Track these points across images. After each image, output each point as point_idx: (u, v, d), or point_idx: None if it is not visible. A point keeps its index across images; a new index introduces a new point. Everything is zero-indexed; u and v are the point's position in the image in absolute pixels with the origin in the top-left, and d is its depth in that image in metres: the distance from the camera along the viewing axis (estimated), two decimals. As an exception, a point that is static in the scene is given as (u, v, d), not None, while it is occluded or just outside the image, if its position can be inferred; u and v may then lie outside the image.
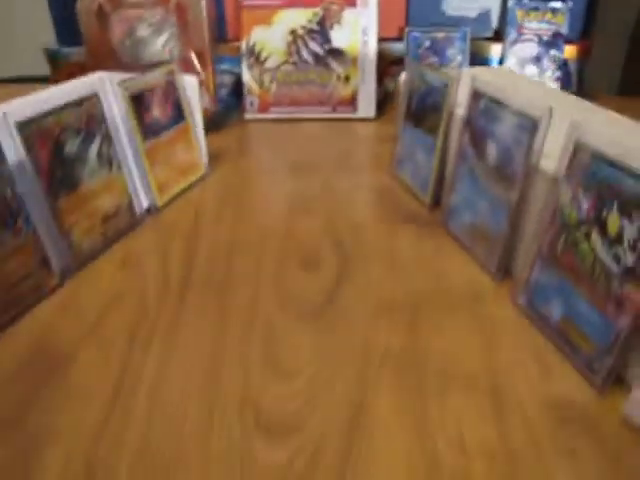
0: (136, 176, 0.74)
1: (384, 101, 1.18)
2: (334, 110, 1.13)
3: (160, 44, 0.95)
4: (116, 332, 0.56)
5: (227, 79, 1.14)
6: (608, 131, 0.49)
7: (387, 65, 1.15)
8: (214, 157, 0.94)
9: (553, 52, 1.10)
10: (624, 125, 0.68)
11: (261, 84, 1.11)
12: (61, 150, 0.62)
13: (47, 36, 1.15)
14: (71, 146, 0.64)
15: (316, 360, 0.52)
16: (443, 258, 0.68)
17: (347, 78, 1.10)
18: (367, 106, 1.12)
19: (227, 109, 1.14)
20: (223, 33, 1.12)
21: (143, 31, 0.95)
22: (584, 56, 1.13)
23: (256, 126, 1.12)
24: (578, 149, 0.51)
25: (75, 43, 1.09)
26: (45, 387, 0.49)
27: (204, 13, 0.94)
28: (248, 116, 1.14)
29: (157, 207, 0.77)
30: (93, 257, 0.68)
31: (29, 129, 0.58)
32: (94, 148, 0.67)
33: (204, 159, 0.88)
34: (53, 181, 0.62)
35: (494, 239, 0.63)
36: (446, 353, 0.52)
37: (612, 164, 0.47)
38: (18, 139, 0.57)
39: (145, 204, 0.76)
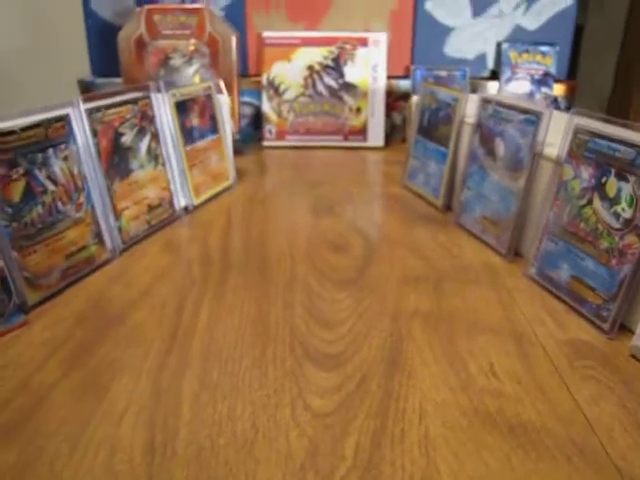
0: (176, 175, 0.81)
1: (391, 133, 1.28)
2: (346, 139, 1.22)
3: (191, 73, 1.05)
4: (166, 298, 0.61)
5: (247, 110, 1.23)
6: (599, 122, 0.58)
7: (394, 100, 1.25)
8: (238, 174, 1.02)
9: (544, 89, 1.21)
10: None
11: (279, 114, 1.21)
12: (119, 140, 0.70)
13: (71, 67, 1.25)
14: (127, 138, 0.71)
15: (354, 315, 0.58)
16: (458, 245, 0.75)
17: (358, 110, 1.21)
18: (376, 136, 1.22)
19: (246, 138, 1.23)
20: (245, 68, 1.23)
21: (176, 60, 1.05)
22: (571, 93, 1.24)
23: (274, 152, 1.21)
24: (577, 131, 0.60)
25: (108, 74, 1.18)
26: (106, 335, 0.54)
27: (234, 46, 1.05)
28: (266, 143, 1.23)
29: (193, 206, 0.84)
30: (138, 241, 0.74)
31: (95, 117, 0.66)
32: (145, 143, 0.74)
33: (232, 171, 0.96)
34: (110, 166, 0.69)
35: (504, 224, 0.70)
36: (469, 311, 0.59)
37: (607, 138, 0.55)
38: (87, 124, 0.65)
39: (183, 202, 0.83)
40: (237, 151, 1.15)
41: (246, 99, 1.23)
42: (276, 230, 0.80)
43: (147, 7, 1.07)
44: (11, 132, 0.56)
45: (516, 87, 1.21)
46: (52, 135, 0.60)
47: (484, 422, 0.43)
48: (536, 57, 1.23)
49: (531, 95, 1.19)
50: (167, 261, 0.70)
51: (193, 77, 1.06)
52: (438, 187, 0.87)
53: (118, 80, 1.14)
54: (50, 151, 0.60)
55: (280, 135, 1.22)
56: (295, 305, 0.59)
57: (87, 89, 1.20)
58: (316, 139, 1.22)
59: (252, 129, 1.26)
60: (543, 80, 1.23)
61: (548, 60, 1.23)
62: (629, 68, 1.81)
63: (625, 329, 0.54)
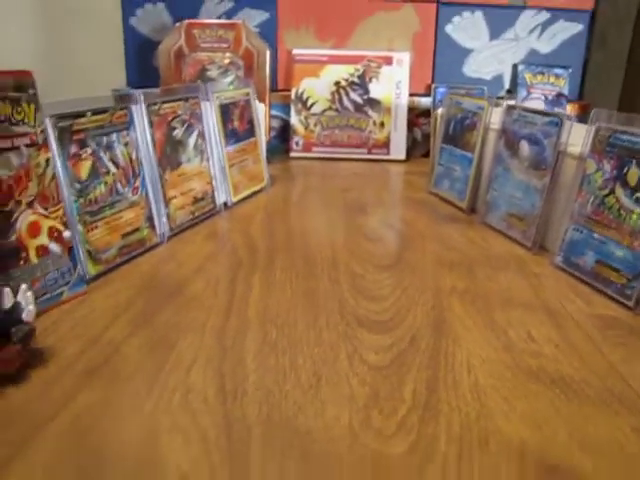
0: (218, 172, 0.86)
1: (412, 147, 1.33)
2: (369, 152, 1.28)
3: (226, 84, 1.11)
4: (218, 275, 0.65)
5: (275, 123, 1.29)
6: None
7: (416, 116, 1.31)
8: (270, 179, 1.07)
9: (557, 109, 1.27)
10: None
11: (307, 127, 1.26)
12: (171, 132, 0.75)
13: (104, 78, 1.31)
14: (178, 132, 0.76)
15: (397, 291, 0.62)
16: (486, 239, 0.79)
17: (382, 124, 1.26)
18: (399, 149, 1.27)
19: (274, 150, 1.29)
20: (274, 83, 1.29)
21: (213, 72, 1.11)
22: (583, 113, 1.30)
23: (301, 162, 1.26)
24: (599, 129, 0.65)
25: (143, 86, 1.24)
26: (165, 303, 0.58)
27: (268, 60, 1.11)
28: (293, 154, 1.28)
29: (232, 202, 0.89)
30: (182, 230, 0.78)
31: (153, 110, 0.71)
32: (192, 138, 0.80)
33: (266, 174, 1.01)
34: (163, 156, 0.74)
35: (529, 219, 0.75)
36: (502, 290, 0.63)
37: (628, 133, 0.60)
38: (145, 115, 0.70)
39: (223, 198, 0.88)
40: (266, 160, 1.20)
41: (274, 112, 1.28)
42: (313, 224, 0.84)
43: (187, 21, 1.13)
44: (83, 115, 0.61)
45: (531, 106, 1.26)
46: (116, 121, 0.65)
47: (528, 375, 0.46)
48: (550, 79, 1.29)
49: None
50: (213, 247, 0.74)
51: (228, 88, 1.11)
52: (464, 190, 0.91)
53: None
54: (114, 136, 0.65)
55: (307, 147, 1.28)
56: (341, 282, 0.63)
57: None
58: (341, 151, 1.27)
59: (279, 141, 1.31)
60: (556, 100, 1.29)
61: (561, 82, 1.29)
62: (632, 102, 1.88)
63: (650, 306, 0.58)
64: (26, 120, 0.52)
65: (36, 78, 0.53)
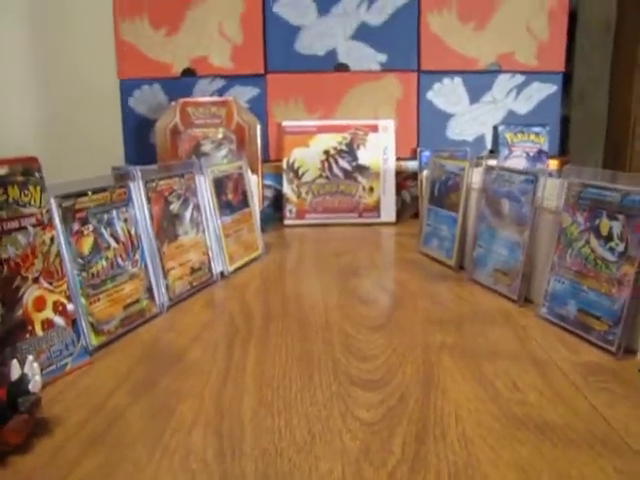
0: (214, 242, 0.90)
1: (402, 209, 1.37)
2: (360, 216, 1.32)
3: (220, 158, 1.17)
4: (215, 341, 0.68)
5: (269, 193, 1.34)
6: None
7: (403, 179, 1.36)
8: (265, 247, 1.11)
9: (539, 165, 1.32)
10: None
11: (299, 195, 1.31)
12: (168, 207, 0.79)
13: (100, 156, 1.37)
14: (174, 206, 0.80)
15: (388, 350, 0.64)
16: (473, 295, 0.82)
17: (371, 189, 1.31)
18: (388, 212, 1.32)
19: (267, 218, 1.33)
20: (266, 154, 1.35)
21: (207, 146, 1.17)
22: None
23: (295, 230, 1.30)
24: (571, 184, 0.69)
25: (141, 162, 1.30)
26: (165, 370, 0.60)
27: (259, 133, 1.17)
28: (287, 222, 1.32)
29: (228, 271, 0.92)
30: (181, 300, 0.81)
31: (150, 186, 0.76)
32: (189, 212, 0.84)
33: (261, 242, 1.04)
34: (160, 229, 0.77)
35: (513, 273, 0.78)
36: (489, 343, 0.65)
37: (597, 187, 0.65)
38: (143, 192, 0.74)
39: (219, 268, 0.91)
40: (261, 229, 1.24)
41: (267, 182, 1.34)
42: (307, 289, 0.87)
43: (182, 100, 1.20)
44: (84, 194, 0.65)
45: (513, 164, 1.32)
46: (115, 199, 0.70)
47: (514, 423, 0.48)
48: (530, 137, 1.35)
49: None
50: (211, 315, 0.77)
51: (222, 162, 1.17)
52: (451, 249, 0.95)
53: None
54: (114, 212, 0.69)
55: (300, 214, 1.32)
56: (334, 344, 0.66)
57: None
58: (333, 217, 1.32)
59: (273, 210, 1.36)
60: (538, 157, 1.34)
61: (541, 139, 1.35)
62: (617, 154, 1.95)
63: (629, 351, 0.60)
64: (33, 202, 0.56)
65: (41, 158, 0.58)
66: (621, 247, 0.61)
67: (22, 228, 0.55)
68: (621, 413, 0.49)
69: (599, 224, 0.64)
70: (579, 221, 0.67)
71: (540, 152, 1.35)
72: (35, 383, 0.47)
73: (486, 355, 0.62)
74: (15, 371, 0.47)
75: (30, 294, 0.55)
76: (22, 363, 0.48)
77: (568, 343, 0.64)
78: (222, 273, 0.92)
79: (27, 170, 0.56)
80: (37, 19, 1.69)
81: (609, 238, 0.62)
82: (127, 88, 1.37)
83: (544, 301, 0.71)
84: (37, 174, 0.57)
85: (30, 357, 0.49)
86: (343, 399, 0.53)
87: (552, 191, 0.74)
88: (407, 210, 1.38)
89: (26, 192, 0.56)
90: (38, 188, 0.57)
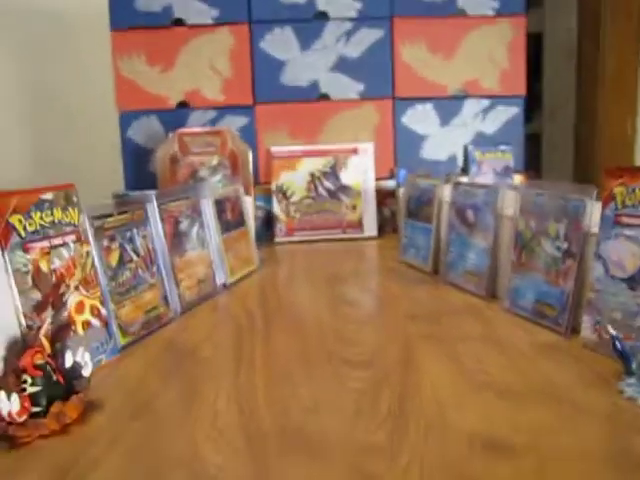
0: (216, 257, 1.01)
1: (383, 224, 1.50)
2: (345, 232, 1.44)
3: (215, 182, 1.28)
4: (225, 339, 0.79)
5: (260, 213, 1.45)
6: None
7: (383, 197, 1.49)
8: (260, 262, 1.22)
9: (507, 180, 1.46)
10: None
11: (287, 214, 1.43)
12: (178, 226, 0.90)
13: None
14: (183, 225, 0.92)
15: (373, 336, 0.76)
16: (448, 295, 0.94)
17: (354, 207, 1.44)
18: (370, 227, 1.44)
19: (259, 236, 1.44)
20: (257, 178, 1.47)
21: (203, 172, 1.28)
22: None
23: (285, 246, 1.42)
24: (524, 194, 0.81)
25: (139, 188, 1.40)
26: (185, 361, 0.71)
27: (250, 159, 1.29)
28: (278, 239, 1.44)
29: (229, 282, 1.03)
30: (191, 307, 0.92)
31: (163, 208, 0.87)
32: (195, 230, 0.95)
33: (256, 257, 1.16)
34: (172, 246, 0.88)
35: (481, 274, 0.90)
36: (459, 331, 0.77)
37: (543, 195, 0.77)
38: (157, 213, 0.85)
39: (221, 279, 1.02)
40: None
41: (259, 203, 1.45)
42: (300, 295, 0.99)
43: (180, 131, 1.32)
44: (111, 215, 0.76)
45: (483, 180, 1.45)
46: (136, 219, 0.81)
47: (477, 387, 0.60)
48: (497, 155, 1.49)
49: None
50: (218, 318, 0.88)
51: (217, 186, 1.28)
52: (427, 256, 1.07)
53: (146, 193, 1.37)
54: (134, 230, 0.80)
55: (289, 232, 1.44)
56: (327, 336, 0.77)
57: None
58: (320, 233, 1.44)
59: (265, 229, 1.47)
60: (504, 172, 1.48)
61: (507, 156, 1.49)
62: (584, 169, 2.12)
63: (576, 331, 0.72)
64: (72, 222, 0.67)
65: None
66: (565, 245, 0.73)
67: (65, 244, 0.66)
68: (566, 378, 0.61)
69: (547, 227, 0.76)
70: (531, 225, 0.79)
71: (507, 168, 1.49)
72: (87, 368, 0.58)
73: (456, 340, 0.73)
74: (69, 360, 0.58)
75: (73, 299, 0.66)
76: (74, 354, 0.58)
77: (526, 328, 0.76)
78: (224, 284, 1.02)
79: (67, 195, 0.67)
80: (39, 57, 1.81)
81: (556, 238, 0.75)
82: (126, 120, 1.48)
83: (507, 295, 0.83)
84: (75, 198, 0.68)
85: (81, 348, 0.59)
86: (338, 375, 0.64)
87: (510, 201, 0.86)
88: (387, 225, 1.50)
89: (67, 213, 0.67)
90: (76, 210, 0.68)
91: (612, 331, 0.60)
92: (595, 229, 0.69)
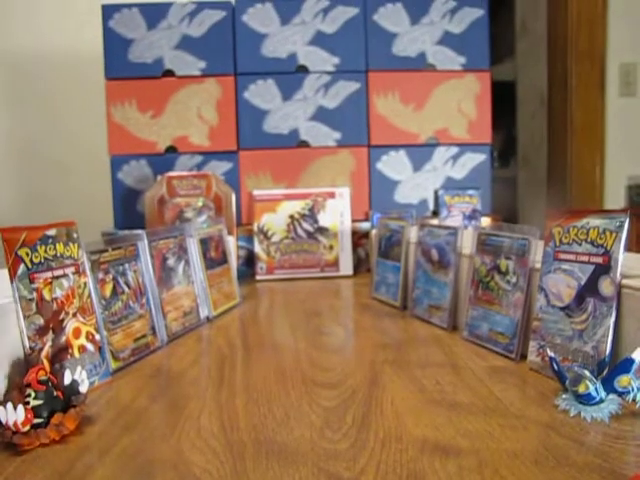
0: (201, 291, 1.08)
1: (358, 264, 1.59)
2: (322, 270, 1.52)
3: (200, 222, 1.36)
4: (209, 364, 0.85)
5: (242, 252, 1.53)
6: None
7: (358, 238, 1.58)
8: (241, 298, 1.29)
9: (474, 222, 1.56)
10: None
11: (268, 253, 1.51)
12: (166, 262, 0.98)
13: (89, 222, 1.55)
14: (170, 261, 0.99)
15: (342, 363, 0.83)
16: (413, 327, 1.02)
17: (331, 247, 1.52)
18: (346, 266, 1.53)
19: (241, 274, 1.52)
20: (239, 219, 1.55)
21: (189, 213, 1.36)
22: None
23: (265, 284, 1.49)
24: (479, 235, 0.91)
25: (128, 227, 1.48)
26: (172, 384, 0.78)
27: (233, 201, 1.38)
28: (259, 277, 1.51)
29: (213, 316, 1.10)
30: (177, 337, 0.98)
31: (152, 245, 0.95)
32: (181, 266, 1.02)
33: (238, 293, 1.23)
34: (160, 280, 0.96)
35: (443, 307, 0.98)
36: (421, 357, 0.84)
37: (496, 235, 0.86)
38: (147, 250, 0.93)
39: (205, 313, 1.09)
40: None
41: (241, 243, 1.54)
42: (279, 328, 1.06)
43: (168, 175, 1.41)
44: (106, 250, 0.83)
45: (452, 222, 1.55)
46: (128, 255, 0.88)
47: (433, 404, 0.67)
48: (465, 199, 1.60)
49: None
50: (202, 347, 0.95)
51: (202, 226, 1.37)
52: (396, 292, 1.15)
53: (137, 232, 1.45)
54: (127, 265, 0.87)
55: (269, 270, 1.52)
56: (302, 362, 0.84)
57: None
58: (299, 272, 1.52)
59: (246, 267, 1.55)
60: (473, 215, 1.58)
61: (475, 200, 1.60)
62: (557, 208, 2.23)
63: (525, 357, 0.80)
64: (72, 255, 0.75)
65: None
66: (514, 279, 0.82)
67: (65, 275, 0.73)
68: (511, 395, 0.69)
69: (499, 263, 0.85)
70: (486, 262, 0.88)
71: (474, 211, 1.59)
72: (84, 385, 0.65)
73: (418, 365, 0.81)
74: (68, 377, 0.65)
75: (71, 325, 0.73)
76: (72, 372, 0.65)
77: (481, 354, 0.84)
78: (207, 317, 1.10)
79: (69, 232, 0.75)
80: (34, 105, 1.91)
81: (506, 273, 0.84)
82: (117, 163, 1.57)
83: (465, 326, 0.92)
84: (75, 235, 0.76)
85: (79, 367, 0.66)
86: (310, 395, 0.71)
87: (468, 241, 0.95)
88: (362, 265, 1.59)
89: (68, 248, 0.74)
90: (76, 245, 0.76)
91: (550, 353, 0.68)
92: (539, 264, 0.78)
